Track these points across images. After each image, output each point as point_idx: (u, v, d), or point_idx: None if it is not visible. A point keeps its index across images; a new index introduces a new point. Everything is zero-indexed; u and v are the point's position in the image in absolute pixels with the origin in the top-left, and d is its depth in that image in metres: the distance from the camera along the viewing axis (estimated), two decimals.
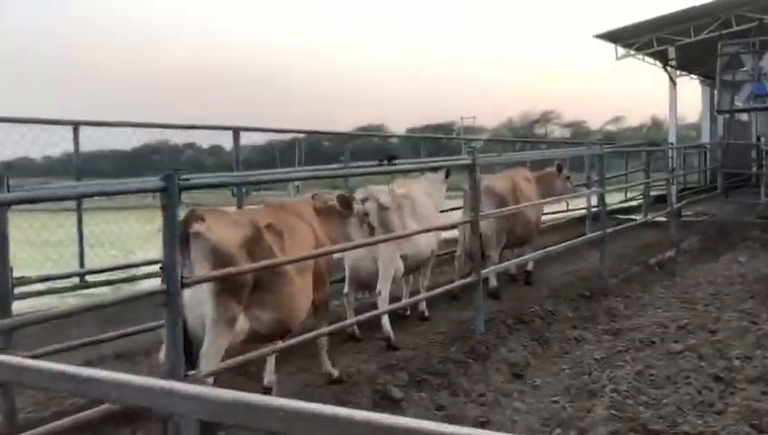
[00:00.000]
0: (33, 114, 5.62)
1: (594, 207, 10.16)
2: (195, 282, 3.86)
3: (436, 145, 14.99)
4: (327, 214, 5.28)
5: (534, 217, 9.08)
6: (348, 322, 5.80)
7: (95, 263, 6.09)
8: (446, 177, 7.56)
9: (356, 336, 6.30)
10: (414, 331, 6.65)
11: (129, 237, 6.49)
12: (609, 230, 9.45)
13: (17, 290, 4.95)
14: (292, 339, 4.71)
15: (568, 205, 13.05)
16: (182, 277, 3.69)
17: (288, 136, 15.71)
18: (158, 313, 3.89)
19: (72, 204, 5.85)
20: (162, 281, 3.74)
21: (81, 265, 5.78)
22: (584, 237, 9.48)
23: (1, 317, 3.98)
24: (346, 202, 5.41)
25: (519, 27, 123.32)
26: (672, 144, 16.96)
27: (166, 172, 3.65)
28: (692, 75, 24.21)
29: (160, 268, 3.89)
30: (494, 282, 7.98)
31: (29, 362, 1.54)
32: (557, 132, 57.95)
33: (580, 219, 11.56)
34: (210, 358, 4.05)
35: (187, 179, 3.83)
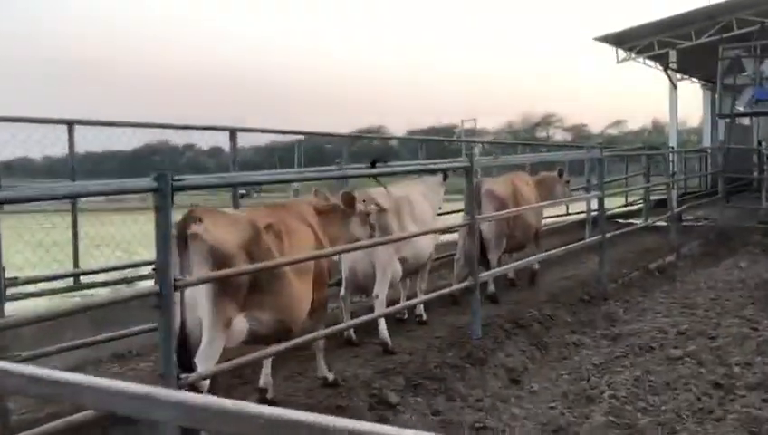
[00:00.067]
0: (33, 114, 5.59)
1: (594, 211, 10.12)
2: (187, 284, 3.82)
3: (437, 148, 14.95)
4: (329, 213, 5.23)
5: (535, 221, 9.04)
6: (344, 325, 5.74)
7: (91, 264, 6.05)
8: (444, 179, 7.51)
9: (352, 340, 6.25)
10: (411, 335, 6.61)
11: (124, 238, 6.45)
12: (609, 235, 9.40)
13: (9, 291, 4.91)
14: (289, 341, 4.67)
15: (568, 209, 13.02)
16: (175, 279, 3.65)
17: (289, 138, 15.70)
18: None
19: (69, 205, 5.81)
20: (155, 283, 3.70)
21: (76, 265, 5.74)
22: (583, 242, 9.44)
23: None
24: (349, 200, 5.35)
25: (520, 29, 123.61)
26: (673, 148, 16.93)
27: (158, 172, 3.60)
28: (693, 79, 24.20)
29: (152, 270, 3.85)
30: (492, 286, 7.94)
31: (1, 363, 1.49)
32: (558, 136, 58.09)
33: (581, 223, 11.53)
34: (206, 360, 4.01)
35: (181, 180, 3.78)
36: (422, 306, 6.97)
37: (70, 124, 5.65)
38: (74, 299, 5.71)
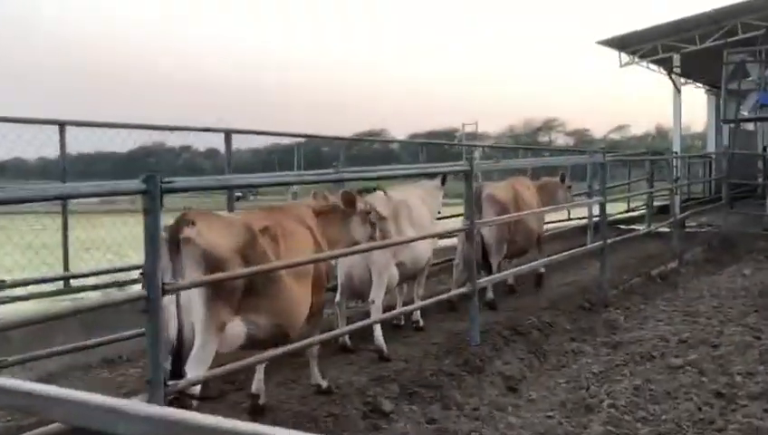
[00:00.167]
0: (28, 115, 5.53)
1: (596, 216, 10.03)
2: (177, 289, 3.74)
3: (437, 151, 14.88)
4: (328, 214, 5.13)
5: (536, 227, 8.96)
6: (339, 331, 5.65)
7: (81, 267, 5.97)
8: (443, 183, 7.43)
9: (347, 346, 6.16)
10: (408, 341, 6.51)
11: (114, 241, 6.38)
12: (611, 240, 9.31)
13: None
14: (283, 347, 4.58)
15: (569, 214, 12.93)
16: (164, 283, 3.58)
17: (288, 141, 15.61)
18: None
19: (60, 206, 5.74)
20: (143, 287, 3.63)
21: (66, 268, 5.66)
22: (585, 247, 9.35)
23: None
24: (350, 200, 5.25)
25: (522, 33, 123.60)
26: (676, 153, 16.81)
27: (147, 174, 3.52)
28: (697, 84, 24.08)
29: (140, 274, 3.77)
30: (490, 293, 7.85)
31: None
32: (560, 140, 58.05)
33: (582, 229, 11.44)
34: (198, 364, 3.93)
35: (171, 181, 3.70)
36: (419, 312, 6.88)
37: (61, 125, 5.58)
38: (64, 303, 5.64)
